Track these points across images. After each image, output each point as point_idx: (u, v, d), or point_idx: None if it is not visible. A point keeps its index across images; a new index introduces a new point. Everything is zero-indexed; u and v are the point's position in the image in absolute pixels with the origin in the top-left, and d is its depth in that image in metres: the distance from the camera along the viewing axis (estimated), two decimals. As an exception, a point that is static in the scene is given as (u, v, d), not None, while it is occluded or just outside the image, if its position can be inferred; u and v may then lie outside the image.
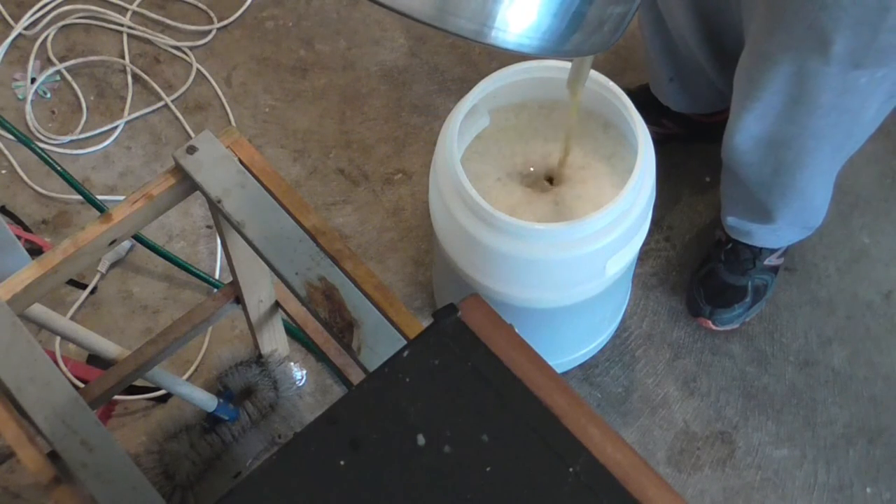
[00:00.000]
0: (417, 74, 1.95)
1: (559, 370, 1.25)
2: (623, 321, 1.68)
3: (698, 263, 1.72)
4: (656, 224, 1.74)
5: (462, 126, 1.35)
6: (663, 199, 1.50)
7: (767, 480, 1.59)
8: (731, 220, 1.62)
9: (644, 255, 1.71)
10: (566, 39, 0.78)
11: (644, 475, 0.77)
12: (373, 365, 0.96)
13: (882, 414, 1.63)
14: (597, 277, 1.38)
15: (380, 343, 1.02)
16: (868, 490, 1.58)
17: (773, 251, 1.66)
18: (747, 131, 1.39)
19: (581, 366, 1.66)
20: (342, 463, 0.75)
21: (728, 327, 1.68)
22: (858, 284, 1.74)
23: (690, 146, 1.82)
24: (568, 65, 1.41)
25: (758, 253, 1.65)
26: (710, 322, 1.67)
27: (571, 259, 1.31)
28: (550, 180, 1.43)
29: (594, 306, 1.49)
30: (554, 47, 0.77)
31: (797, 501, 1.57)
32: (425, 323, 0.86)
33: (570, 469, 0.76)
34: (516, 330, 0.84)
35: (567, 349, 1.61)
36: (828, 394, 1.65)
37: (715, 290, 1.67)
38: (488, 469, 0.76)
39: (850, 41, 1.17)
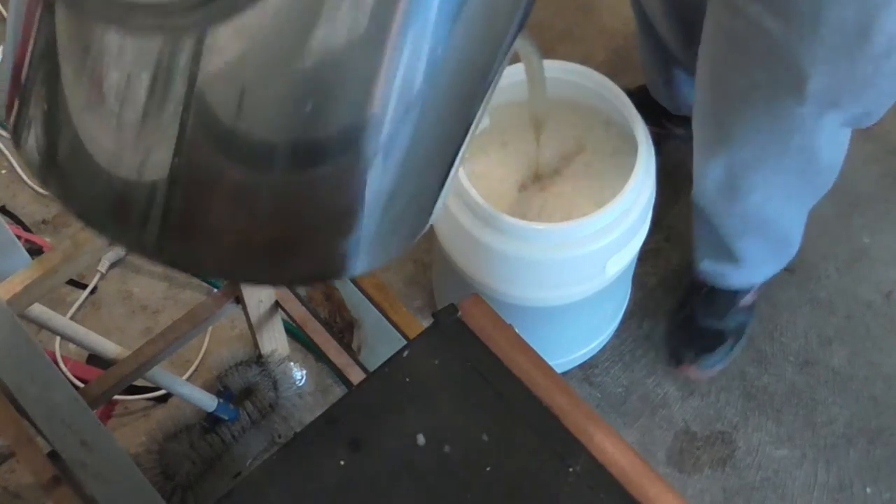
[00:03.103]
0: (417, 74, 1.95)
1: (559, 370, 1.24)
2: (623, 321, 1.68)
3: (675, 308, 1.69)
4: (656, 224, 1.74)
5: (462, 126, 1.35)
6: (663, 199, 1.50)
7: (767, 480, 1.59)
8: (705, 264, 1.59)
9: (644, 255, 1.71)
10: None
11: (644, 475, 0.77)
12: (373, 365, 0.96)
13: (882, 414, 1.63)
14: (597, 277, 1.38)
15: (380, 343, 1.02)
16: (868, 490, 1.58)
17: (747, 291, 1.64)
18: (714, 176, 1.35)
19: (581, 366, 1.66)
20: (342, 462, 0.75)
21: (711, 372, 1.65)
22: (858, 284, 1.74)
23: (690, 146, 1.82)
24: (571, 66, 1.41)
25: (733, 296, 1.63)
26: (693, 368, 1.64)
27: (571, 259, 1.31)
28: (551, 179, 1.43)
29: (594, 306, 1.49)
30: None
31: (797, 501, 1.57)
32: (425, 323, 0.86)
33: (570, 469, 0.76)
34: (516, 330, 0.84)
35: (567, 349, 1.61)
36: (828, 394, 1.65)
37: (695, 336, 1.64)
38: (488, 469, 0.76)
39: (827, 76, 1.12)
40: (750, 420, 1.63)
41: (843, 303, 1.72)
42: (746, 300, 1.65)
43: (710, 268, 1.59)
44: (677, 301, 1.70)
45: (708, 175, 1.36)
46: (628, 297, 1.67)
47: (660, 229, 1.77)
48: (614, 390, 1.66)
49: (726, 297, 1.63)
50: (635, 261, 1.49)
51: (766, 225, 1.45)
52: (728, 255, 1.53)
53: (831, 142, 1.27)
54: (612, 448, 0.77)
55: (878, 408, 1.64)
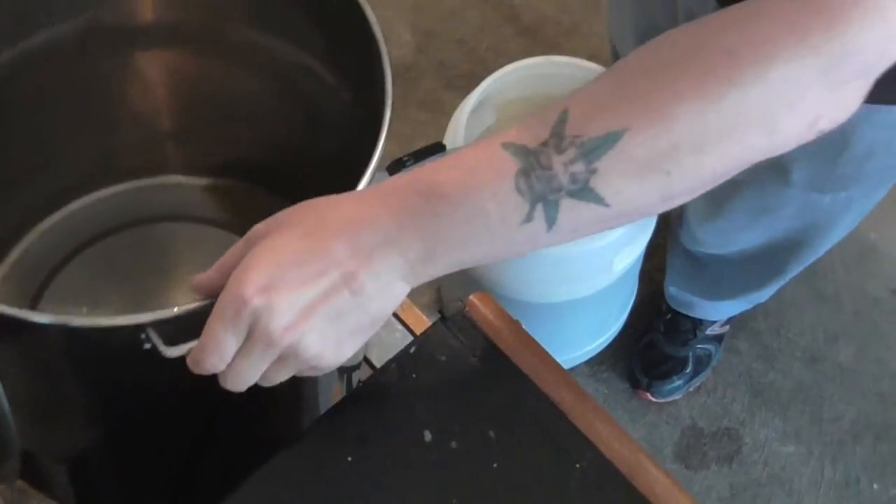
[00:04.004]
0: (424, 71, 1.95)
1: (566, 366, 1.25)
2: (630, 317, 1.68)
3: (639, 333, 1.69)
4: (663, 220, 1.74)
5: (469, 122, 1.35)
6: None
7: (774, 476, 1.59)
8: (672, 290, 1.58)
9: (651, 250, 1.71)
10: None
11: (651, 471, 0.77)
12: (379, 361, 0.96)
13: (889, 410, 1.63)
14: (604, 273, 1.38)
15: (386, 339, 1.02)
16: (875, 486, 1.57)
17: (715, 321, 1.62)
18: (709, 236, 1.34)
19: (588, 362, 1.66)
20: (349, 459, 0.75)
21: (668, 399, 1.64)
22: (865, 280, 1.74)
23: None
24: (579, 62, 1.41)
25: (698, 324, 1.61)
26: (648, 395, 1.63)
27: (579, 255, 1.31)
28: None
29: (601, 302, 1.49)
30: None
31: (804, 497, 1.57)
32: (432, 319, 0.86)
33: (577, 465, 0.76)
34: (523, 326, 0.84)
35: (574, 345, 1.61)
36: (835, 390, 1.65)
37: (653, 361, 1.63)
38: (495, 465, 0.76)
39: (809, 170, 1.10)
40: (756, 416, 1.63)
41: (850, 299, 1.72)
42: (714, 330, 1.63)
43: (678, 294, 1.58)
44: (645, 324, 1.69)
45: (703, 235, 1.35)
46: (635, 292, 1.67)
47: (667, 225, 1.77)
48: (621, 386, 1.66)
49: (691, 324, 1.61)
50: (642, 257, 1.49)
51: (757, 281, 1.44)
52: (701, 288, 1.52)
53: (831, 219, 1.23)
54: (618, 444, 0.77)
55: (885, 404, 1.64)
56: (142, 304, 1.00)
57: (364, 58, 0.79)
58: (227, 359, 0.59)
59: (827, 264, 1.75)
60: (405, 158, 1.06)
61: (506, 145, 0.56)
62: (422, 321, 1.04)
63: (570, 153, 0.55)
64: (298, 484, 0.75)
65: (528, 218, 0.56)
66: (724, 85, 0.54)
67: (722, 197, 1.24)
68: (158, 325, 0.61)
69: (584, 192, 0.55)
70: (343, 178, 0.68)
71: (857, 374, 1.66)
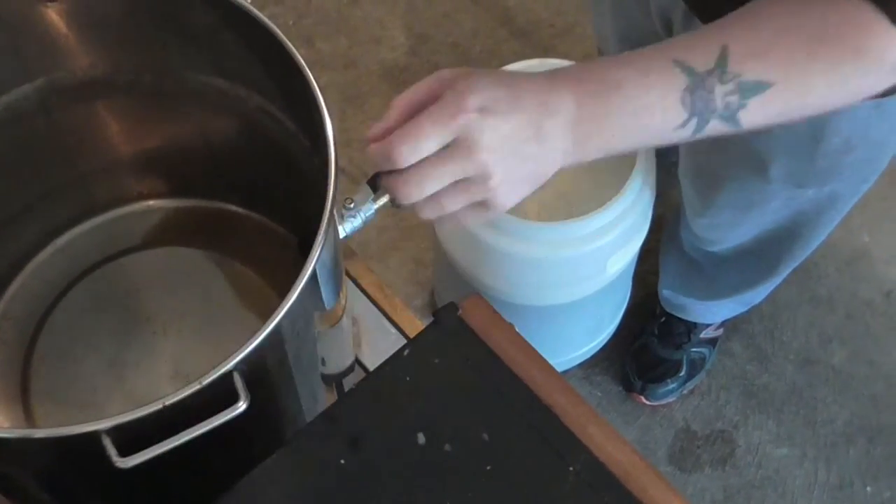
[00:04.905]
0: (418, 73, 1.95)
1: (560, 369, 1.25)
2: (623, 320, 1.68)
3: (633, 335, 1.69)
4: (657, 223, 1.74)
5: (462, 125, 1.34)
6: (664, 198, 1.50)
7: (768, 479, 1.59)
8: (666, 293, 1.58)
9: (645, 253, 1.71)
10: None
11: (644, 474, 0.77)
12: (373, 364, 0.96)
13: (882, 412, 1.63)
14: (597, 276, 1.38)
15: (380, 342, 1.02)
16: (868, 489, 1.58)
17: (709, 324, 1.63)
18: (704, 231, 1.36)
19: (581, 364, 1.66)
20: (342, 461, 0.75)
21: (662, 402, 1.64)
22: (858, 283, 1.74)
23: (691, 145, 1.82)
24: (569, 62, 1.41)
25: (692, 327, 1.61)
26: (642, 398, 1.63)
27: (572, 257, 1.31)
28: (551, 178, 1.43)
29: (595, 305, 1.49)
30: None
31: (797, 500, 1.57)
32: (425, 322, 0.86)
33: (571, 468, 0.76)
34: (517, 329, 0.84)
35: (568, 348, 1.61)
36: (828, 392, 1.65)
37: (647, 364, 1.63)
38: (488, 468, 0.76)
39: (787, 165, 1.11)
40: (750, 419, 1.63)
41: (843, 301, 1.72)
42: (708, 333, 1.64)
43: (671, 297, 1.58)
44: (639, 326, 1.69)
45: (696, 230, 1.37)
46: (629, 295, 1.67)
47: (660, 228, 1.77)
48: (615, 389, 1.66)
49: (685, 327, 1.62)
50: (636, 259, 1.49)
51: (753, 276, 1.44)
52: (695, 287, 1.53)
53: (819, 214, 1.24)
54: (612, 447, 0.77)
55: (878, 406, 1.64)
56: (130, 337, 1.03)
57: (311, 113, 0.79)
58: (419, 153, 0.66)
59: (820, 267, 1.75)
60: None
61: (677, 62, 0.68)
62: (415, 324, 1.04)
63: (730, 87, 0.68)
64: (291, 487, 0.75)
65: (683, 125, 0.69)
66: (848, 66, 0.68)
67: (709, 193, 1.25)
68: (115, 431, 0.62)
69: (731, 118, 0.69)
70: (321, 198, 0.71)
71: (851, 376, 1.67)
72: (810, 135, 1.04)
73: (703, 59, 0.68)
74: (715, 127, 0.70)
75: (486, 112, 0.66)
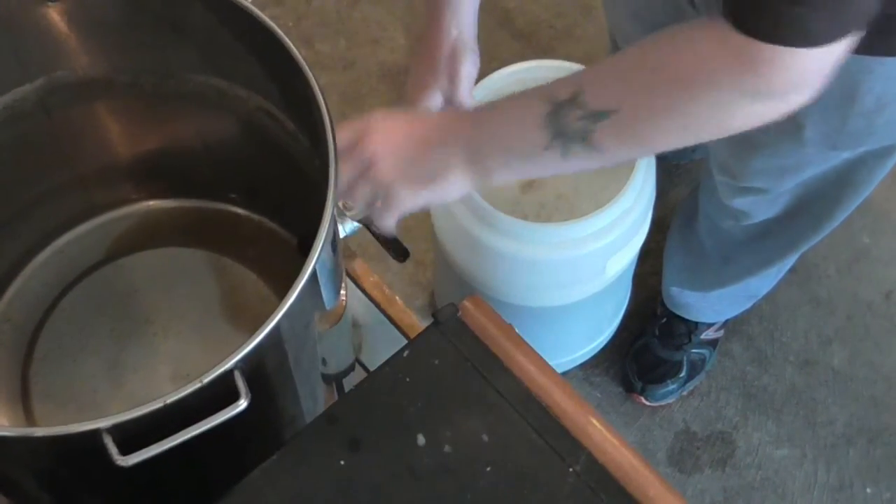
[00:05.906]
0: (418, 74, 1.95)
1: (559, 370, 1.24)
2: (623, 321, 1.68)
3: (633, 336, 1.68)
4: (657, 224, 1.74)
5: (462, 125, 1.34)
6: (664, 198, 1.50)
7: (767, 480, 1.59)
8: (673, 291, 1.58)
9: (644, 254, 1.71)
10: None
11: (644, 475, 0.77)
12: (373, 365, 0.96)
13: (882, 414, 1.63)
14: (597, 277, 1.38)
15: (380, 343, 1.02)
16: (868, 490, 1.58)
17: (710, 325, 1.63)
18: (739, 203, 1.34)
19: (581, 365, 1.66)
20: (342, 462, 0.75)
21: (662, 403, 1.64)
22: (859, 284, 1.74)
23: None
24: (572, 66, 1.41)
25: (693, 328, 1.61)
26: (642, 398, 1.63)
27: (572, 259, 1.31)
28: (551, 179, 1.43)
29: (594, 306, 1.49)
30: None
31: (797, 501, 1.57)
32: (425, 323, 0.86)
33: (571, 469, 0.76)
34: (516, 330, 0.84)
35: (567, 349, 1.61)
36: (828, 393, 1.65)
37: (648, 365, 1.63)
38: (488, 469, 0.76)
39: (821, 125, 1.11)
40: (750, 420, 1.63)
41: (844, 303, 1.72)
42: (708, 334, 1.64)
43: (678, 294, 1.58)
44: (639, 327, 1.69)
45: (728, 202, 1.35)
46: (629, 296, 1.67)
47: (660, 229, 1.77)
48: (615, 390, 1.66)
49: (685, 328, 1.62)
50: (636, 260, 1.49)
51: (769, 259, 1.44)
52: (702, 281, 1.52)
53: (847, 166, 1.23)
54: (612, 448, 0.77)
55: (878, 408, 1.64)
56: (129, 334, 1.03)
57: (311, 113, 0.80)
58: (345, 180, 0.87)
59: (820, 268, 1.75)
60: None
61: (544, 94, 0.81)
62: (415, 325, 1.04)
63: (580, 112, 0.79)
64: (290, 488, 0.75)
65: (548, 146, 0.81)
66: (683, 100, 0.76)
67: (746, 157, 1.24)
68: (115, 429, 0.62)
69: (585, 140, 0.79)
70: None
71: (851, 377, 1.67)
72: (844, 94, 1.04)
73: (564, 91, 0.80)
74: (578, 152, 0.81)
75: (384, 142, 0.88)
